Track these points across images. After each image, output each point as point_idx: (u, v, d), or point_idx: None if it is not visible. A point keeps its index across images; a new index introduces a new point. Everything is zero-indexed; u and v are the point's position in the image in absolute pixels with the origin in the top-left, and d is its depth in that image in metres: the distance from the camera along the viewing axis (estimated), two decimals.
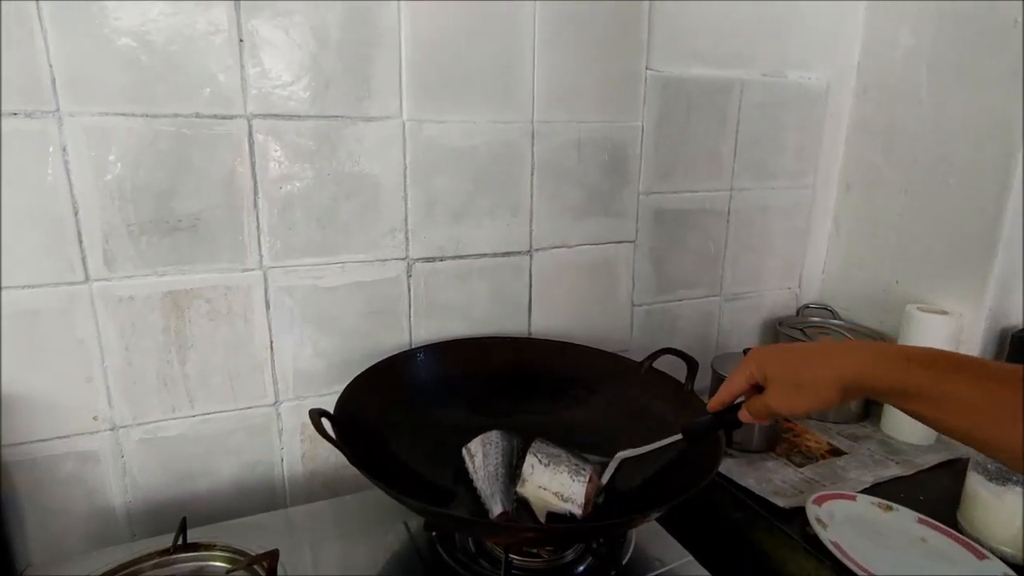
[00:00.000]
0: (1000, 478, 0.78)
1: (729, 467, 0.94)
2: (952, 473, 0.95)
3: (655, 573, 0.73)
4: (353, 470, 0.64)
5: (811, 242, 1.24)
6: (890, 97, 1.12)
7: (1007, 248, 0.97)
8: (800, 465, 0.96)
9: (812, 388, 0.56)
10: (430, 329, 0.95)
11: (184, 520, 0.72)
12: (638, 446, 0.72)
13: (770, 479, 0.92)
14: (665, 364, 0.89)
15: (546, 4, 0.89)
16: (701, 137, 1.07)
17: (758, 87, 1.09)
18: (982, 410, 0.47)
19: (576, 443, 0.79)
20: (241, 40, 0.75)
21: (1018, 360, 0.98)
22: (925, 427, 0.57)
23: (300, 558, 0.73)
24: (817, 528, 0.79)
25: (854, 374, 0.54)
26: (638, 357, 0.91)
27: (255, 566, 0.67)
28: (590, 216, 1.02)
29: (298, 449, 0.90)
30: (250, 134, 0.78)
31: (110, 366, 0.78)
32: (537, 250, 1.00)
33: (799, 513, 0.83)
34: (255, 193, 0.80)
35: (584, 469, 0.73)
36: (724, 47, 1.05)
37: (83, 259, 0.74)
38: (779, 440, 1.02)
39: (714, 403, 0.66)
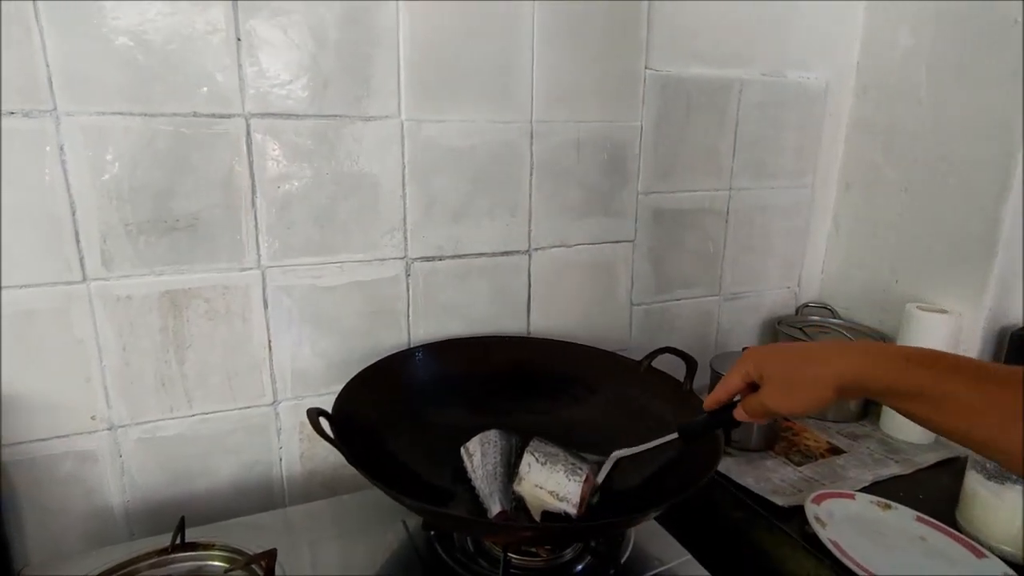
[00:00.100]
0: (999, 477, 0.78)
1: (728, 466, 0.94)
2: (951, 472, 0.95)
3: (654, 572, 0.73)
4: (351, 469, 0.64)
5: (810, 241, 1.24)
6: (890, 97, 1.12)
7: (1007, 248, 0.97)
8: (799, 464, 0.96)
9: (808, 387, 0.56)
10: (429, 329, 0.95)
11: (182, 520, 0.72)
12: (636, 445, 0.72)
13: (769, 478, 0.92)
14: (664, 363, 0.89)
15: (545, 4, 0.89)
16: (700, 137, 1.07)
17: (757, 87, 1.09)
18: (981, 411, 0.47)
19: (575, 442, 0.79)
20: (239, 39, 0.75)
21: (1017, 359, 0.98)
22: None
23: (298, 557, 0.73)
24: (816, 527, 0.79)
25: (852, 374, 0.53)
26: (637, 356, 0.91)
27: (253, 565, 0.68)
28: (589, 216, 1.02)
29: (296, 449, 0.90)
30: (248, 133, 0.78)
31: (108, 366, 0.78)
32: (536, 250, 0.99)
33: (798, 512, 0.83)
34: (253, 192, 0.80)
35: (581, 468, 0.73)
36: (723, 47, 1.04)
37: (81, 259, 0.74)
38: (778, 439, 1.02)
39: (710, 402, 0.65)
